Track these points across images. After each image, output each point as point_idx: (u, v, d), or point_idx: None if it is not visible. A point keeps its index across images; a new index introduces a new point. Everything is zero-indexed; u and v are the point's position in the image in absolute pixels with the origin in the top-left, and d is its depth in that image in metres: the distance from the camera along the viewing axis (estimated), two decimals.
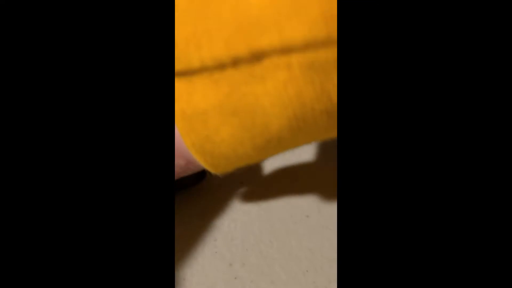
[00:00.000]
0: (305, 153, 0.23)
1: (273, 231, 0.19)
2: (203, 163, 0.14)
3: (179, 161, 0.15)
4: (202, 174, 0.21)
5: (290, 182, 0.21)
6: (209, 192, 0.21)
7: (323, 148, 0.24)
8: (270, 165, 0.23)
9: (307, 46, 0.10)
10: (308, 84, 0.11)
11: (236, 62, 0.11)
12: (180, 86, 0.12)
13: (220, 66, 0.11)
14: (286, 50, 0.11)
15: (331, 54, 0.11)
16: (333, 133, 0.13)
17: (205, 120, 0.12)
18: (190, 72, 0.12)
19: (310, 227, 0.19)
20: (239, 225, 0.20)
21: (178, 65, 0.12)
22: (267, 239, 0.19)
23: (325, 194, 0.21)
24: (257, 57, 0.11)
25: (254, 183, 0.22)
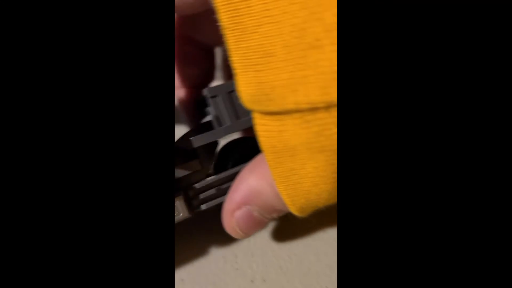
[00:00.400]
0: None
1: (292, 247, 0.20)
2: (285, 198, 0.15)
3: (272, 215, 0.17)
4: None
5: None
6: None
7: None
8: None
9: None
10: None
11: (329, 106, 0.12)
12: (272, 124, 0.13)
13: (313, 109, 0.12)
14: None
15: None
16: None
17: (294, 154, 0.14)
18: (283, 113, 0.13)
19: (328, 243, 0.20)
20: (258, 241, 0.20)
21: (273, 106, 0.13)
22: (286, 255, 0.19)
23: None
24: None
25: None
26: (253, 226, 0.17)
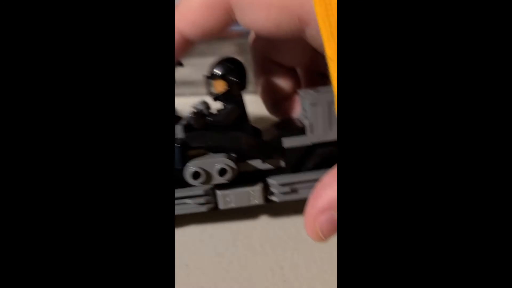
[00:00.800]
0: None
1: (333, 259, 0.21)
2: None
3: None
4: None
5: None
6: (266, 222, 0.24)
7: None
8: None
9: None
10: None
11: None
12: None
13: None
14: None
15: None
16: None
17: None
18: None
19: None
20: (302, 253, 0.22)
21: None
22: (328, 268, 0.21)
23: None
24: None
25: None
26: (335, 230, 0.18)
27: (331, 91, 0.19)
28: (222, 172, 0.21)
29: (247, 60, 0.35)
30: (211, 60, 0.35)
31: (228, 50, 0.37)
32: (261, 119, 0.29)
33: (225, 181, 0.21)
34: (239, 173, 0.21)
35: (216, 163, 0.21)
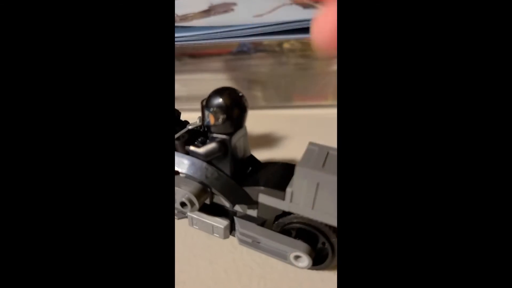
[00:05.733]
0: None
1: None
2: None
3: None
4: None
5: None
6: None
7: None
8: None
9: None
10: None
11: None
12: None
13: None
14: None
15: None
16: None
17: None
18: None
19: None
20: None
21: None
22: None
23: None
24: None
25: None
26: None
27: (332, 174, 0.17)
28: (183, 204, 0.20)
29: (235, 77, 0.35)
30: (198, 76, 0.34)
31: (216, 66, 0.37)
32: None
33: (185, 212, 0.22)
34: (212, 203, 0.22)
35: (181, 194, 0.20)
